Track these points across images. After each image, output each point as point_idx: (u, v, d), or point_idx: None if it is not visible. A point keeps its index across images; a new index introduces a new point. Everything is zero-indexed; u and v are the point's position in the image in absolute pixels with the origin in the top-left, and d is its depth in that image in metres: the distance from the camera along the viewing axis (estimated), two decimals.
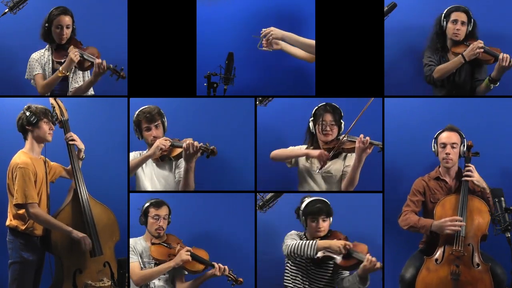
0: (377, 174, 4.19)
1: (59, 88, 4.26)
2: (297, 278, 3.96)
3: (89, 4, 4.40)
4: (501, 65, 4.05)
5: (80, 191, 3.95)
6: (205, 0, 4.30)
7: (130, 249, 4.05)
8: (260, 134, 4.27)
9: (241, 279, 4.01)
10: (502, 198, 3.82)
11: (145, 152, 4.14)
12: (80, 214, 3.93)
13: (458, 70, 4.20)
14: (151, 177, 4.15)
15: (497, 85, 4.12)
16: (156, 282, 4.02)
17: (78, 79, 4.27)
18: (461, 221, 3.82)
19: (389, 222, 4.19)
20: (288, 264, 4.01)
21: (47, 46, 4.26)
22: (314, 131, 4.12)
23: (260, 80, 4.39)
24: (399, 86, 4.30)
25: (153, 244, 4.04)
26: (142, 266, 4.03)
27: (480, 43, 4.09)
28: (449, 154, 3.99)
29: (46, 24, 4.18)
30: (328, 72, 4.24)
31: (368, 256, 3.76)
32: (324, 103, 4.11)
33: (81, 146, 4.04)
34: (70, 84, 4.25)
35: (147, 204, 4.07)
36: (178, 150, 4.03)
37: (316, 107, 4.12)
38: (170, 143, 4.04)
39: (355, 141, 3.95)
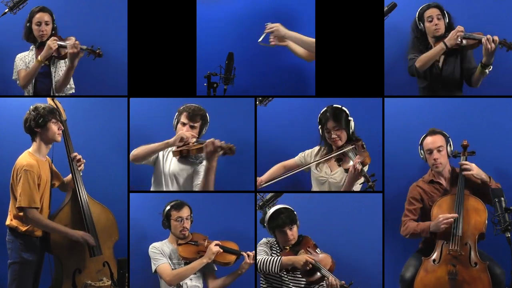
0: (377, 174, 4.18)
1: (44, 87, 4.26)
2: (273, 286, 3.94)
3: (89, 4, 4.40)
4: (487, 48, 3.98)
5: (79, 191, 3.95)
6: (205, 0, 4.31)
7: (158, 252, 4.01)
8: (260, 134, 4.27)
9: None
10: (502, 198, 3.81)
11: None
12: (79, 214, 3.93)
13: (444, 63, 4.17)
14: (171, 176, 4.12)
15: (491, 68, 4.06)
16: (189, 282, 3.99)
17: (61, 72, 4.26)
18: (453, 215, 3.81)
19: (389, 223, 4.19)
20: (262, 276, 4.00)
21: (31, 47, 4.27)
22: (323, 136, 4.10)
23: (260, 80, 4.38)
24: (399, 86, 4.29)
25: (179, 245, 4.03)
26: (173, 268, 4.00)
27: (460, 27, 4.05)
28: (437, 159, 3.98)
29: (28, 23, 4.21)
30: (328, 72, 4.24)
31: (330, 278, 3.73)
32: (325, 109, 4.08)
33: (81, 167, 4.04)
34: (53, 79, 4.26)
35: (167, 208, 4.05)
36: (199, 148, 3.99)
37: (320, 113, 4.09)
38: (194, 139, 4.02)
39: (352, 160, 3.92)
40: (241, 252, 3.99)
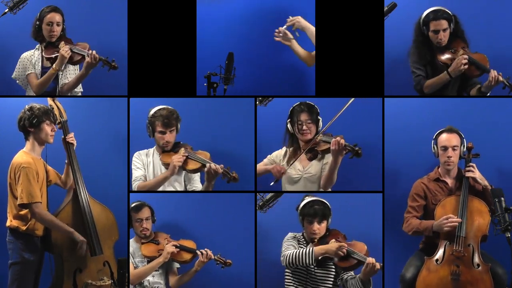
0: (377, 174, 4.19)
1: (49, 87, 4.25)
2: (300, 281, 3.93)
3: (89, 4, 4.40)
4: (490, 84, 4.00)
5: (80, 191, 3.96)
6: (205, 0, 4.31)
7: None
8: (260, 134, 4.27)
9: (229, 261, 4.08)
10: (502, 198, 3.82)
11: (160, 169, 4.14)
12: (79, 214, 3.93)
13: (450, 84, 4.17)
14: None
15: (488, 95, 4.10)
16: (151, 279, 4.08)
17: (68, 75, 4.27)
18: (455, 218, 3.82)
19: (389, 222, 4.19)
20: (288, 270, 3.97)
21: (37, 45, 4.27)
22: (292, 131, 4.11)
23: (260, 80, 4.39)
24: (399, 86, 4.29)
25: (142, 243, 4.12)
26: (135, 266, 4.08)
27: (464, 58, 4.01)
28: (451, 157, 3.99)
29: (37, 22, 4.19)
30: (328, 72, 4.24)
31: (368, 259, 3.73)
32: (298, 103, 4.09)
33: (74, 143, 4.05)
34: (59, 80, 4.26)
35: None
36: (194, 164, 4.03)
37: (292, 107, 4.11)
38: (185, 157, 4.03)
39: (329, 142, 3.93)
40: (197, 251, 4.05)
